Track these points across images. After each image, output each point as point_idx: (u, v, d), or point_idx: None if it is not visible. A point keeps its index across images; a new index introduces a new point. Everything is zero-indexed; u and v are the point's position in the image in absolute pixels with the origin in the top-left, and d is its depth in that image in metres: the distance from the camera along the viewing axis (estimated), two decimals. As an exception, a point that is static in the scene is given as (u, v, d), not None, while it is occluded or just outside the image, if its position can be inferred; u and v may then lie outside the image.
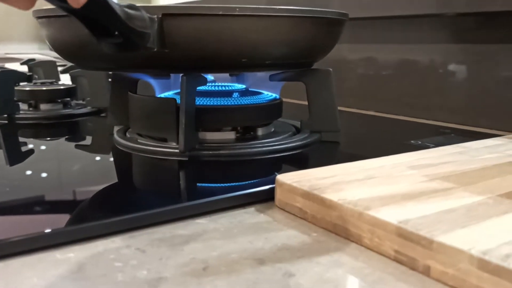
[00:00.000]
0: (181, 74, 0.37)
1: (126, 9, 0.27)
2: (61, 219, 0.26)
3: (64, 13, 0.34)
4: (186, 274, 0.21)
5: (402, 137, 0.48)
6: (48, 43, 0.39)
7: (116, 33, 0.27)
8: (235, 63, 0.35)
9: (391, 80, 0.64)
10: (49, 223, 0.26)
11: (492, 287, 0.19)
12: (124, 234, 0.25)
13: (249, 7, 0.33)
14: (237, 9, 0.32)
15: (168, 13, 0.31)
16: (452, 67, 0.58)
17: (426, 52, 0.60)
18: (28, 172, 0.36)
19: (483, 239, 0.21)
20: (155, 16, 0.30)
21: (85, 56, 0.37)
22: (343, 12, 0.40)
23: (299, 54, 0.38)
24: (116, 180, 0.35)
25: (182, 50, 0.32)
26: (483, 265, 0.19)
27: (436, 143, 0.43)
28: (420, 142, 0.44)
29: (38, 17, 0.37)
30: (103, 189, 0.32)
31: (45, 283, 0.20)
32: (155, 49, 0.31)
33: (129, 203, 0.29)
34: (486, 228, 0.22)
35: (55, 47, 0.39)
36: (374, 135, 0.53)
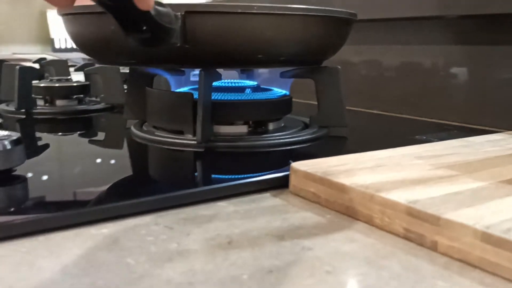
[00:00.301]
0: (197, 71, 0.39)
1: (156, 6, 0.29)
2: (93, 199, 0.28)
3: (91, 11, 0.36)
4: (213, 247, 0.23)
5: (407, 133, 0.50)
6: (71, 39, 0.41)
7: (144, 28, 0.29)
8: (251, 59, 0.37)
9: (395, 80, 0.66)
10: (83, 202, 0.28)
11: (495, 258, 0.21)
12: (151, 214, 0.27)
13: (266, 6, 0.35)
14: (255, 8, 0.34)
15: (191, 11, 0.33)
16: (454, 68, 0.60)
17: (428, 53, 0.62)
18: (58, 161, 0.38)
19: (487, 216, 0.22)
20: (179, 13, 0.32)
21: (108, 52, 0.39)
22: (352, 12, 0.42)
23: (311, 51, 0.40)
24: (138, 168, 0.37)
25: (203, 46, 0.34)
26: (486, 238, 0.21)
27: (440, 138, 0.45)
28: (424, 137, 0.46)
29: (63, 14, 0.39)
30: (127, 176, 0.34)
31: (85, 253, 0.22)
32: (178, 44, 0.33)
33: (154, 187, 0.31)
34: (489, 208, 0.24)
35: (78, 43, 0.41)
36: (379, 131, 0.55)
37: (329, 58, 0.46)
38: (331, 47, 0.44)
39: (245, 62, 0.39)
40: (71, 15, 0.39)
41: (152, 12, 0.29)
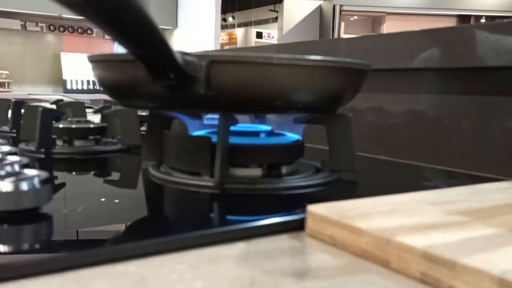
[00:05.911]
0: (216, 116, 0.41)
1: (184, 56, 0.31)
2: (118, 238, 0.29)
3: (120, 58, 0.38)
4: (237, 287, 0.24)
5: (416, 179, 0.51)
6: (98, 82, 0.43)
7: (171, 76, 0.31)
8: (270, 106, 0.39)
9: (402, 127, 0.68)
10: (108, 240, 0.29)
11: (511, 302, 0.21)
12: (173, 253, 0.28)
13: (286, 57, 0.37)
14: (275, 59, 0.36)
15: (215, 61, 0.35)
16: (461, 117, 0.62)
17: (435, 102, 0.64)
18: (79, 200, 0.39)
19: (502, 261, 0.23)
20: (204, 62, 0.35)
21: (134, 96, 0.41)
22: (367, 63, 0.44)
23: (328, 99, 0.42)
24: (157, 208, 0.38)
25: (225, 93, 0.36)
26: (503, 283, 0.22)
27: (449, 185, 0.46)
28: (433, 184, 0.47)
29: (93, 61, 0.42)
30: (147, 216, 0.35)
31: (115, 290, 0.23)
32: (202, 92, 0.35)
33: (176, 226, 0.32)
34: (504, 253, 0.25)
35: (105, 86, 0.43)
36: (389, 177, 0.56)
37: (344, 105, 0.47)
38: (346, 96, 0.45)
39: (263, 109, 0.41)
40: (100, 62, 0.41)
41: (180, 61, 0.31)
